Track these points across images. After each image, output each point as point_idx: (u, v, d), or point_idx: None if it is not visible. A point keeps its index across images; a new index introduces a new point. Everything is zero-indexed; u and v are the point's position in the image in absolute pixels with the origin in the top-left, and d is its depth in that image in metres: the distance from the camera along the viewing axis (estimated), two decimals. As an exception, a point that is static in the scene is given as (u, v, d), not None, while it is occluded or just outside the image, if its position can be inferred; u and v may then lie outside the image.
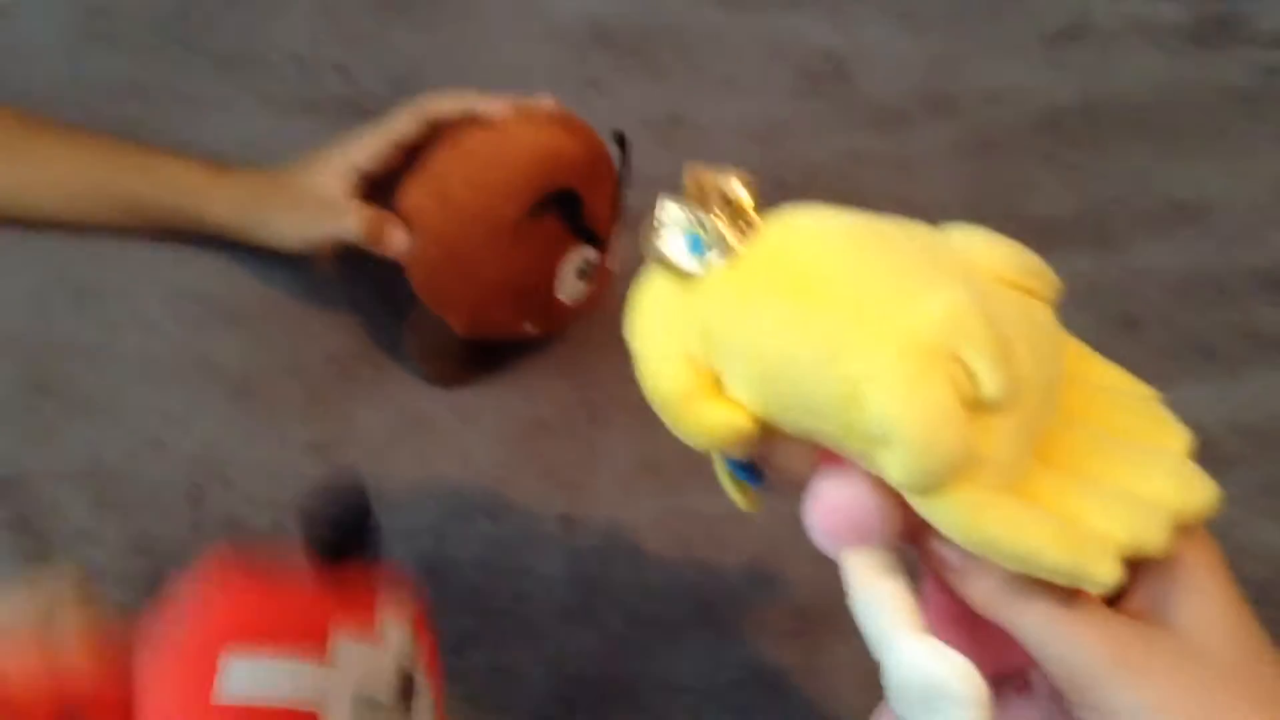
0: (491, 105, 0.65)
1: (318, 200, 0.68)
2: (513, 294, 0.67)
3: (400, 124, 0.67)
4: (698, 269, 0.36)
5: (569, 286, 0.69)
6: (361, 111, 0.87)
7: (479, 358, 0.70)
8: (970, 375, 0.33)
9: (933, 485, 0.33)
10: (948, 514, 0.33)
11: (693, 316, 0.36)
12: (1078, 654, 0.33)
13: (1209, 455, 0.71)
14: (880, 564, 0.35)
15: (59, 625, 0.41)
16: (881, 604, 0.34)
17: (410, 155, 0.67)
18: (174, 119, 0.83)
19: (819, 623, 0.60)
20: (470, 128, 0.65)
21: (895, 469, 0.33)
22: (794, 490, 0.37)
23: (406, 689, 0.41)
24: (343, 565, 0.42)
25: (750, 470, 0.39)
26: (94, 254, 0.72)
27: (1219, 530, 0.68)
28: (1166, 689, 0.32)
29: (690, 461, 0.68)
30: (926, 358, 0.32)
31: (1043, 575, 0.33)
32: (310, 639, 0.38)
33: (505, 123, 0.64)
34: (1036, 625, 0.34)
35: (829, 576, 0.58)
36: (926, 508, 0.33)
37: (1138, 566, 0.34)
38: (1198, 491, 0.36)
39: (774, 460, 0.37)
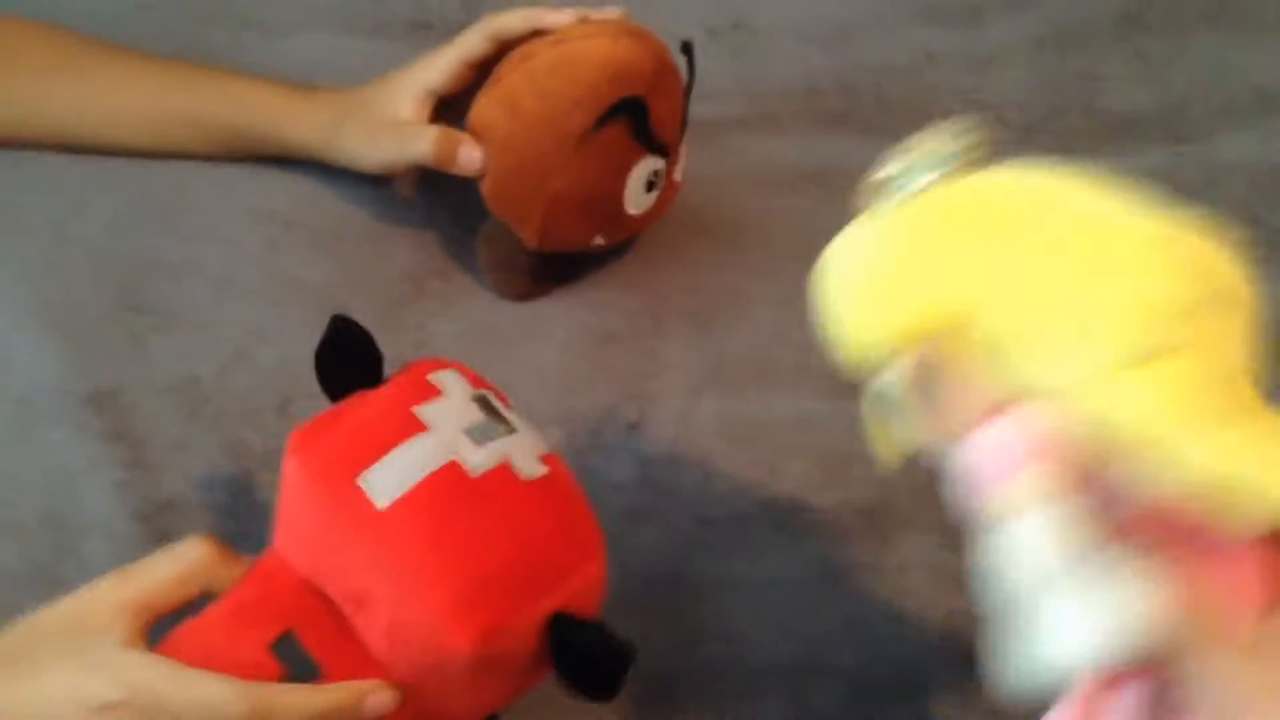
0: (558, 18, 0.66)
1: (391, 123, 0.69)
2: (582, 205, 0.68)
3: (469, 42, 0.68)
4: (926, 187, 0.38)
5: (637, 197, 0.69)
6: (431, 32, 0.88)
7: (548, 272, 0.72)
8: (1209, 264, 0.34)
9: (1144, 355, 0.32)
10: (1149, 397, 0.31)
11: (916, 219, 0.37)
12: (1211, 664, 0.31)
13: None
14: (1054, 485, 0.33)
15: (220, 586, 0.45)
16: (1059, 518, 0.32)
17: (481, 73, 0.68)
18: (245, 43, 0.85)
19: (886, 521, 0.61)
20: (538, 41, 0.66)
21: (1107, 341, 0.32)
22: (940, 434, 0.36)
23: (488, 406, 0.46)
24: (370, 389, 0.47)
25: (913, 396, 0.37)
26: (176, 177, 0.75)
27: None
28: None
29: (753, 370, 0.69)
30: (1162, 244, 0.34)
31: (1235, 492, 0.31)
32: (402, 427, 0.44)
33: (573, 34, 0.65)
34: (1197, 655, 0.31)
35: (895, 478, 0.59)
36: (1125, 397, 0.32)
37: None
38: None
39: (936, 395, 0.36)
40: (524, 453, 0.46)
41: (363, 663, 0.43)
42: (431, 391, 0.46)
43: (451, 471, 0.43)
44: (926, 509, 0.60)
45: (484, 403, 0.47)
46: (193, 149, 0.75)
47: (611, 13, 0.67)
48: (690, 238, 0.77)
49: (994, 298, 0.35)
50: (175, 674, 0.40)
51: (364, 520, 0.42)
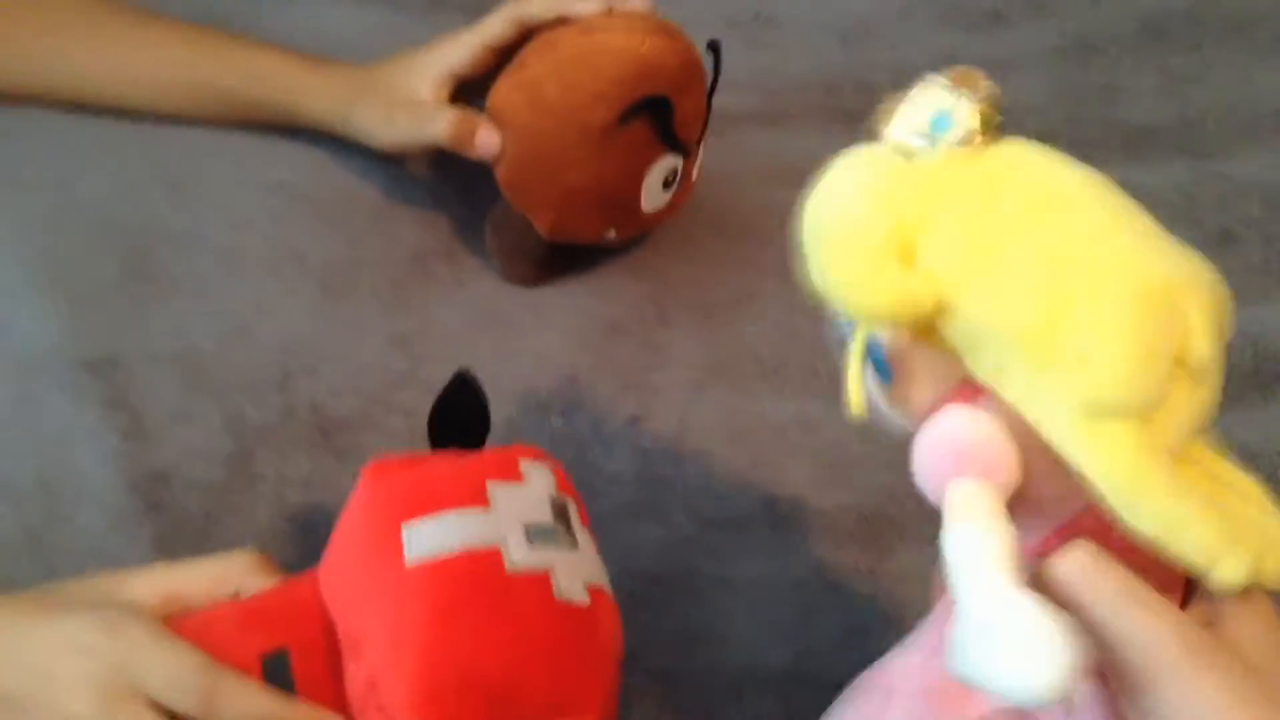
0: (585, 6, 0.65)
1: (409, 102, 0.69)
2: (598, 199, 0.67)
3: (493, 26, 0.68)
4: (934, 146, 0.37)
5: (653, 195, 0.69)
6: (448, 6, 0.87)
7: (558, 260, 0.71)
8: (1187, 334, 0.33)
9: (1114, 411, 0.32)
10: (1110, 448, 0.32)
11: (915, 187, 0.36)
12: (1151, 638, 0.32)
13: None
14: (988, 501, 0.34)
15: (248, 593, 0.45)
16: (982, 538, 0.33)
17: (503, 58, 0.67)
18: (261, 10, 0.84)
19: (885, 528, 0.61)
20: (564, 30, 0.65)
21: (1087, 382, 0.32)
22: (909, 409, 0.37)
23: (562, 513, 0.45)
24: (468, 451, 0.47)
25: (886, 365, 0.37)
26: (187, 146, 0.74)
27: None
28: (1231, 695, 0.31)
29: (758, 368, 0.69)
30: (1156, 299, 0.33)
31: (1177, 544, 0.32)
32: (469, 494, 0.43)
33: (600, 26, 0.64)
34: (1114, 602, 0.32)
35: (896, 484, 0.59)
36: (1088, 438, 0.32)
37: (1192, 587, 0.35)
38: None
39: (913, 369, 0.37)
40: (571, 573, 0.44)
41: (333, 708, 0.43)
42: (514, 474, 0.45)
43: (489, 558, 0.42)
44: (928, 520, 0.59)
45: (559, 509, 0.45)
46: (206, 115, 0.75)
47: (638, 3, 0.66)
48: (701, 231, 0.76)
49: (985, 297, 0.34)
50: (158, 634, 0.42)
51: (388, 569, 0.42)
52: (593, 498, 0.61)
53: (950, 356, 0.36)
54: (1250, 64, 0.94)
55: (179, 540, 0.55)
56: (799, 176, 0.83)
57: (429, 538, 0.42)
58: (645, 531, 0.60)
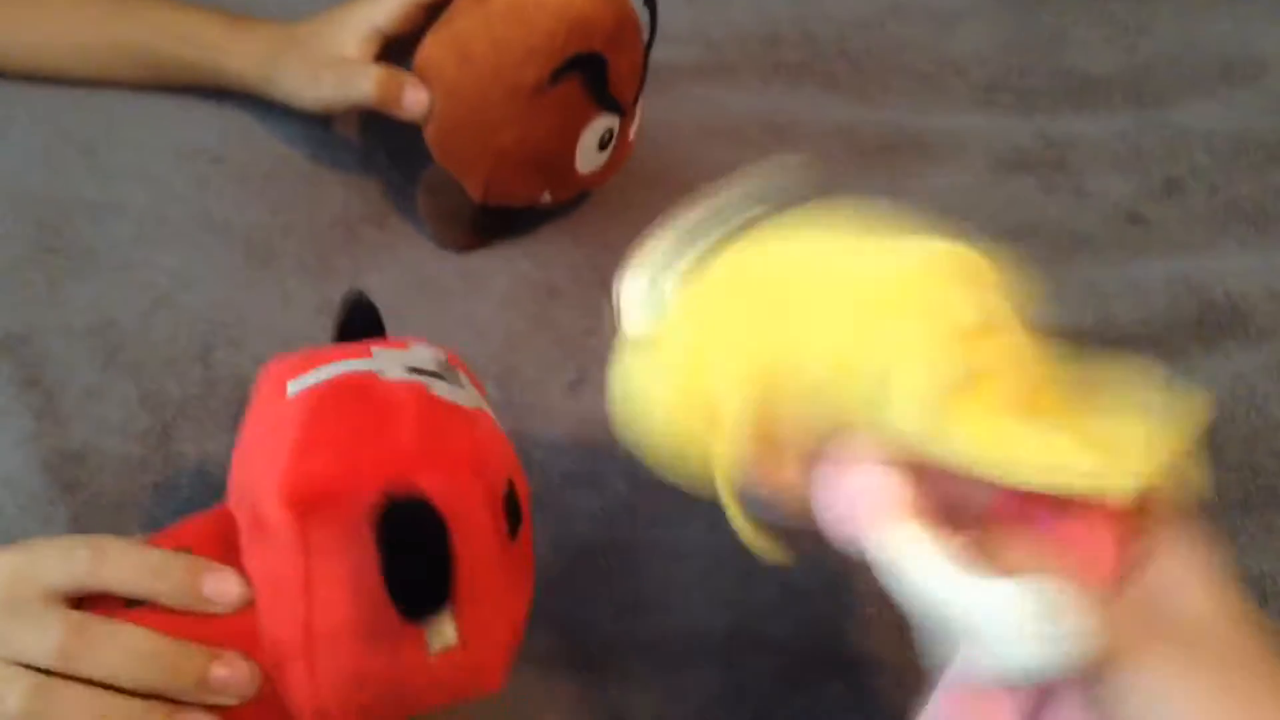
0: None
1: (334, 60, 0.66)
2: (531, 161, 0.65)
3: None
4: (663, 318, 0.40)
5: (588, 156, 0.67)
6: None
7: (491, 224, 0.69)
8: (954, 305, 0.35)
9: (949, 394, 0.34)
10: (966, 425, 0.34)
11: (683, 359, 0.39)
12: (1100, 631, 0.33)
13: (1243, 325, 0.69)
14: (916, 527, 0.35)
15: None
16: (939, 557, 0.33)
17: (433, 15, 0.65)
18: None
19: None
20: None
21: (906, 410, 0.34)
22: (804, 514, 0.38)
23: (449, 370, 0.45)
24: None
25: (766, 508, 0.39)
26: (103, 110, 0.71)
27: (1249, 403, 0.66)
28: (1186, 672, 0.32)
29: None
30: (913, 292, 0.35)
31: (1069, 481, 0.33)
32: (352, 353, 0.44)
33: None
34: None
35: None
36: (946, 443, 0.34)
37: (1132, 560, 0.35)
38: (1167, 436, 0.36)
39: (775, 478, 0.38)
40: (455, 394, 0.43)
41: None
42: (400, 345, 0.45)
43: (365, 377, 0.42)
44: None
45: (445, 366, 0.45)
46: (125, 77, 0.72)
47: None
48: (640, 189, 0.74)
49: (797, 360, 0.36)
50: (35, 543, 0.41)
51: (270, 411, 0.42)
52: (531, 466, 0.59)
53: (794, 433, 0.37)
54: (1197, 13, 0.93)
55: (96, 521, 0.53)
56: (742, 131, 0.83)
57: (308, 380, 0.42)
58: (585, 500, 0.58)
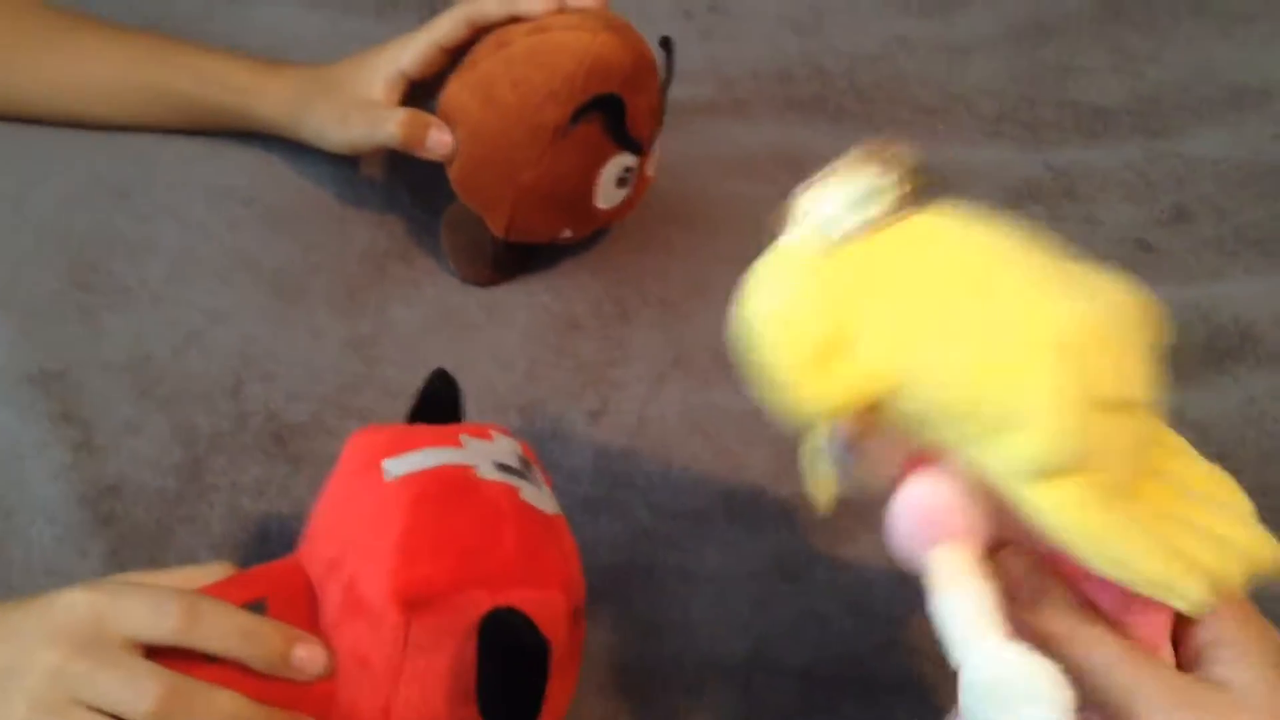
0: (536, 5, 0.64)
1: (361, 103, 0.68)
2: (552, 199, 0.67)
3: (444, 26, 0.67)
4: (854, 234, 0.37)
5: (608, 193, 0.68)
6: (400, 7, 0.87)
7: (514, 259, 0.71)
8: (1100, 375, 0.35)
9: (1055, 471, 0.34)
10: (1058, 505, 0.34)
11: (840, 281, 0.37)
12: (1141, 689, 0.34)
13: (1253, 350, 0.70)
14: (967, 564, 0.36)
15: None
16: (968, 601, 0.35)
17: (455, 58, 0.67)
18: (213, 13, 0.84)
19: (844, 515, 0.60)
20: (515, 28, 0.64)
21: (1022, 450, 0.34)
22: (877, 483, 0.38)
23: (528, 466, 0.48)
24: None
25: (847, 456, 0.39)
26: (136, 152, 0.73)
27: (1260, 426, 0.67)
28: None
29: (718, 359, 0.68)
30: (1066, 351, 0.34)
31: (1135, 582, 0.34)
32: (444, 439, 0.46)
33: (552, 24, 0.63)
34: (1102, 659, 0.35)
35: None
36: (1036, 497, 0.34)
37: (1179, 626, 0.37)
38: (1270, 544, 0.37)
39: (868, 451, 0.38)
40: (536, 495, 0.46)
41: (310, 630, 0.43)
42: (485, 435, 0.48)
43: (462, 470, 0.44)
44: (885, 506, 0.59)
45: (524, 463, 0.48)
46: (157, 121, 0.74)
47: (590, 1, 0.65)
48: (658, 224, 0.76)
49: (924, 379, 0.36)
50: (132, 582, 0.43)
51: (369, 489, 0.44)
52: (553, 492, 0.61)
53: (903, 437, 0.37)
54: (1204, 42, 0.94)
55: (132, 553, 0.55)
56: (756, 165, 0.84)
57: (405, 463, 0.44)
58: (605, 526, 0.60)
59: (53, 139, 0.73)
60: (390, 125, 0.66)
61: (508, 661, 0.40)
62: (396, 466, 0.44)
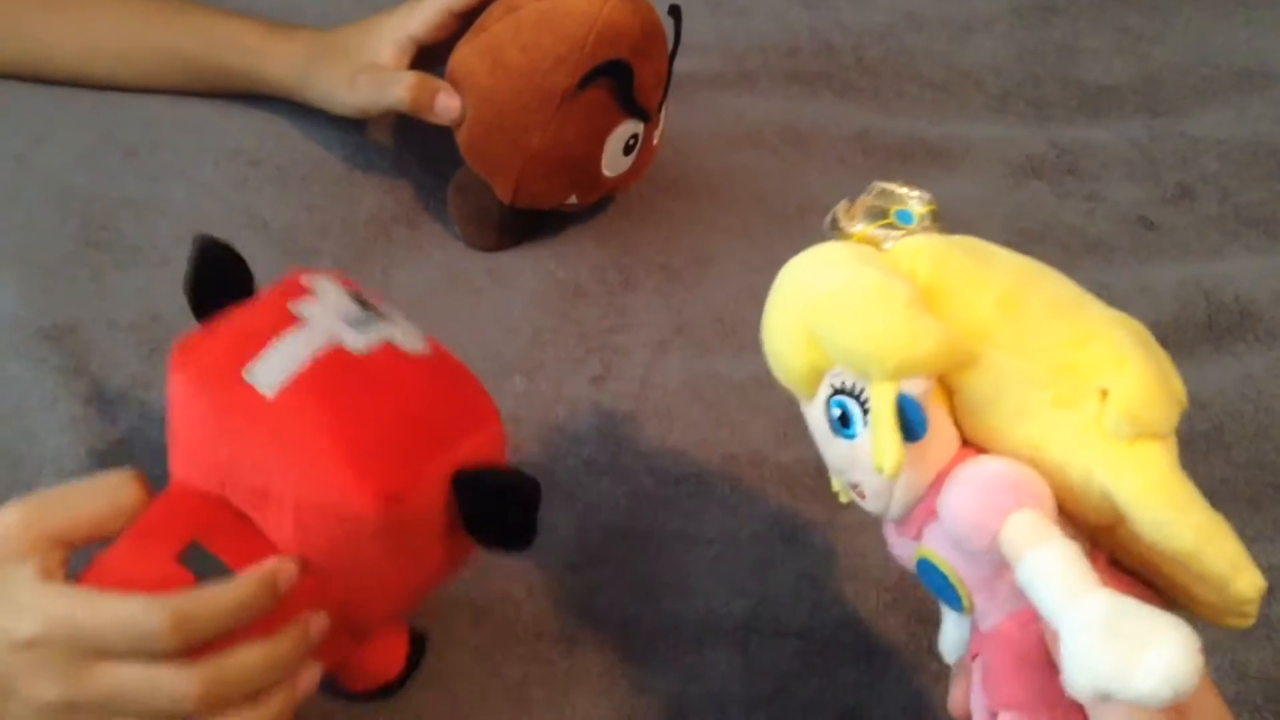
0: None
1: (370, 67, 0.68)
2: (559, 165, 0.67)
3: None
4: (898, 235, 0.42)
5: (614, 160, 0.69)
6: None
7: (520, 225, 0.71)
8: (1167, 369, 0.39)
9: (1144, 430, 0.36)
10: (1145, 468, 0.36)
11: (911, 263, 0.40)
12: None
13: (1252, 327, 0.71)
14: (1051, 526, 0.36)
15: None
16: (1066, 556, 0.34)
17: (465, 23, 0.67)
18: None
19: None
20: None
21: (1122, 404, 0.36)
22: (925, 466, 0.39)
23: (365, 302, 0.46)
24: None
25: (923, 419, 0.38)
26: (145, 113, 0.74)
27: (1257, 403, 0.68)
28: None
29: (720, 327, 0.69)
30: (1147, 339, 0.39)
31: (1203, 557, 0.35)
32: (280, 322, 0.44)
33: None
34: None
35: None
36: (1124, 457, 0.36)
37: None
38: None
39: (931, 429, 0.38)
40: (406, 335, 0.45)
41: (271, 555, 0.43)
42: (305, 292, 0.45)
43: (335, 353, 0.43)
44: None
45: (359, 299, 0.46)
46: (166, 83, 0.74)
47: None
48: (662, 194, 0.76)
49: (1010, 346, 0.38)
50: (90, 600, 0.40)
51: (254, 412, 0.42)
52: (555, 457, 0.62)
53: (954, 416, 0.39)
54: (1208, 22, 0.94)
55: (140, 504, 0.55)
56: (761, 138, 0.85)
57: (274, 370, 0.42)
58: (607, 489, 0.60)
59: (62, 98, 0.73)
60: (398, 89, 0.66)
61: (500, 510, 0.42)
62: (265, 378, 0.42)
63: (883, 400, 0.36)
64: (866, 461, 0.38)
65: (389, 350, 0.44)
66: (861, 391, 0.38)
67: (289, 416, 0.42)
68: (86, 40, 0.74)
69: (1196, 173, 0.81)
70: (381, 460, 0.41)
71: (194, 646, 0.40)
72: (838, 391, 0.39)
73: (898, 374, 0.36)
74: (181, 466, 0.45)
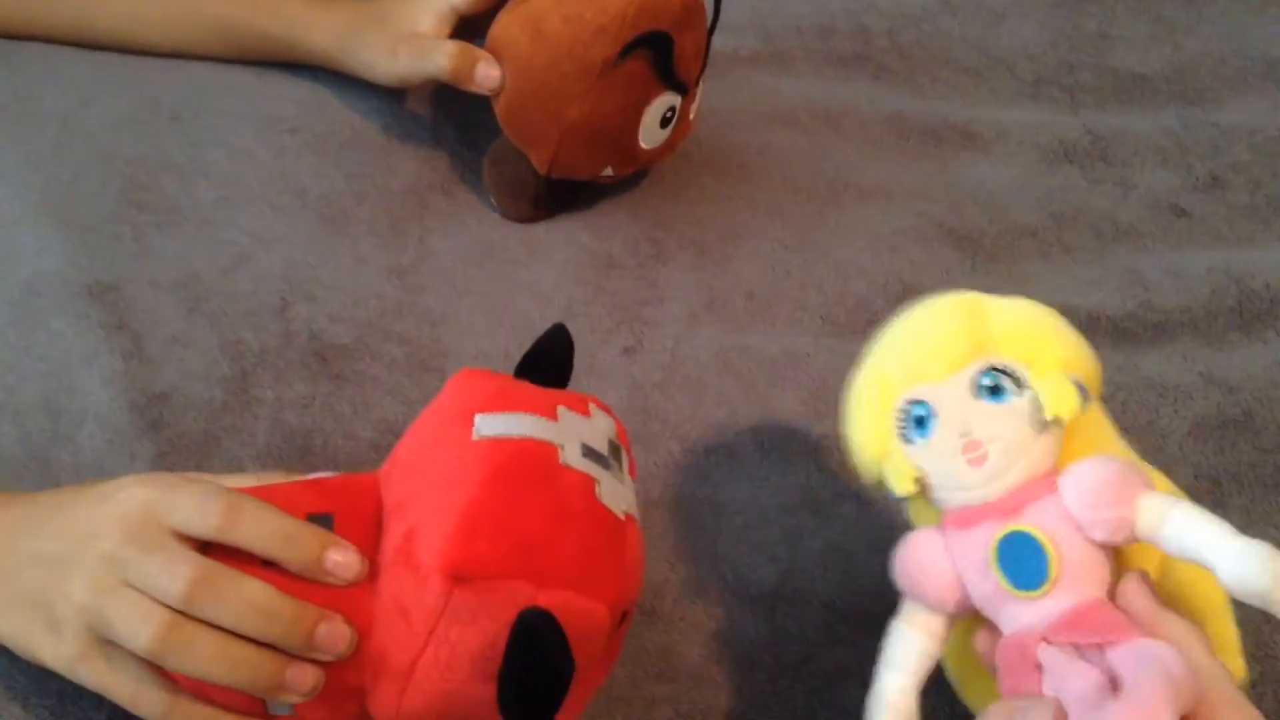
0: None
1: (411, 37, 0.69)
2: (596, 136, 0.68)
3: None
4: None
5: (651, 132, 0.69)
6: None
7: (555, 197, 0.72)
8: None
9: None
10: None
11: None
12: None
13: (1280, 316, 0.71)
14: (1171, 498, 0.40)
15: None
16: (1203, 516, 0.39)
17: None
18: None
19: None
20: None
21: None
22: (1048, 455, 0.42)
23: (616, 453, 0.47)
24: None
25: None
26: (188, 80, 0.74)
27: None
28: None
29: (751, 301, 0.70)
30: None
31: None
32: (540, 406, 0.46)
33: None
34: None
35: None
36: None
37: None
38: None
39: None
40: (614, 492, 0.45)
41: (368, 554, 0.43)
42: (583, 409, 0.47)
43: (546, 450, 0.44)
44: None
45: (614, 448, 0.47)
46: (208, 50, 0.75)
47: None
48: (696, 170, 0.77)
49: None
50: (186, 478, 0.44)
51: (453, 442, 0.44)
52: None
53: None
54: (1241, 13, 0.94)
55: (178, 458, 0.56)
56: (795, 117, 0.85)
57: (497, 425, 0.44)
58: (637, 458, 0.60)
59: (108, 64, 0.74)
60: (439, 58, 0.67)
61: (531, 669, 0.40)
62: (487, 426, 0.44)
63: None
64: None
65: (586, 486, 0.44)
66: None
67: (467, 462, 0.43)
68: (131, 7, 0.75)
69: (1227, 162, 0.81)
70: (485, 545, 0.41)
71: (231, 541, 0.41)
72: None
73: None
74: (390, 461, 0.46)
